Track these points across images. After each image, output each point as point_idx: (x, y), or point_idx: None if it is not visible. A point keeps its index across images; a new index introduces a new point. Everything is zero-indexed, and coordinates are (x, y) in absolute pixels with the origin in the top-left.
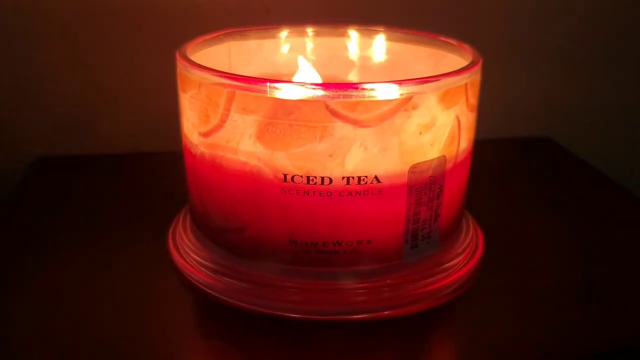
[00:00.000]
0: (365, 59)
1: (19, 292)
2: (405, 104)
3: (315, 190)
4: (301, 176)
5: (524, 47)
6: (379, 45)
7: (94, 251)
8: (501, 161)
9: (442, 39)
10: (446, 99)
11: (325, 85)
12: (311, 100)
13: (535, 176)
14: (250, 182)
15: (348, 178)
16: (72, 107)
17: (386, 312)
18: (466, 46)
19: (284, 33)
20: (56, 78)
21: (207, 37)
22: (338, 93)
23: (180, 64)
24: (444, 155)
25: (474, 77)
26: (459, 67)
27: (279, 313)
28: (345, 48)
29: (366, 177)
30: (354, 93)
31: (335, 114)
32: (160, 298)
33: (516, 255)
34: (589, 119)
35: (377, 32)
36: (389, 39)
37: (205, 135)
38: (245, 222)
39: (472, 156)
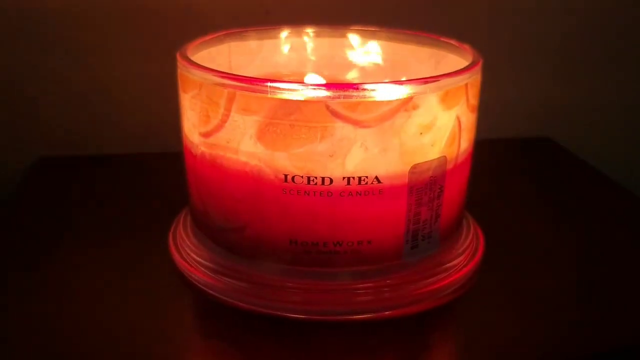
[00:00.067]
0: (365, 60)
1: (19, 292)
2: (405, 105)
3: (316, 191)
4: (302, 176)
5: (524, 48)
6: (379, 46)
7: (94, 251)
8: (501, 161)
9: (443, 39)
10: (447, 99)
11: (325, 86)
12: (312, 101)
13: (536, 176)
14: (251, 182)
15: (348, 178)
16: (73, 108)
17: (386, 313)
18: (466, 46)
19: (284, 34)
20: (57, 78)
21: (207, 37)
22: (338, 93)
23: (180, 64)
24: (445, 156)
25: (474, 78)
26: (460, 67)
27: (279, 313)
28: (346, 49)
29: (367, 177)
30: (355, 93)
31: (335, 114)
32: (160, 298)
33: (516, 256)
34: (589, 119)
35: (377, 32)
36: (389, 39)
37: (206, 135)
38: (246, 222)
39: (472, 156)
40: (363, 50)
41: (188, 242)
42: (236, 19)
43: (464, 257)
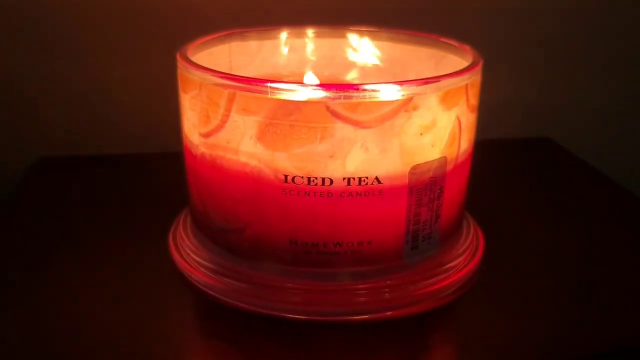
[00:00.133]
0: (365, 60)
1: (19, 292)
2: (405, 105)
3: (316, 191)
4: (302, 177)
5: (524, 48)
6: (379, 46)
7: (94, 251)
8: (501, 161)
9: (443, 40)
10: (447, 99)
11: (325, 86)
12: (312, 101)
13: (536, 176)
14: (251, 182)
15: (349, 179)
16: (73, 108)
17: (387, 313)
18: (467, 47)
19: (284, 34)
20: (57, 78)
21: (207, 38)
22: (339, 94)
23: (181, 64)
24: (445, 156)
25: (474, 78)
26: (460, 68)
27: (279, 314)
28: (346, 49)
29: (367, 178)
30: (355, 94)
31: (336, 114)
32: (160, 298)
33: (516, 256)
34: (589, 119)
35: (378, 33)
36: (389, 40)
37: (206, 135)
38: (246, 223)
39: (472, 157)
40: (363, 50)
41: (188, 243)
42: (236, 19)
43: (464, 258)
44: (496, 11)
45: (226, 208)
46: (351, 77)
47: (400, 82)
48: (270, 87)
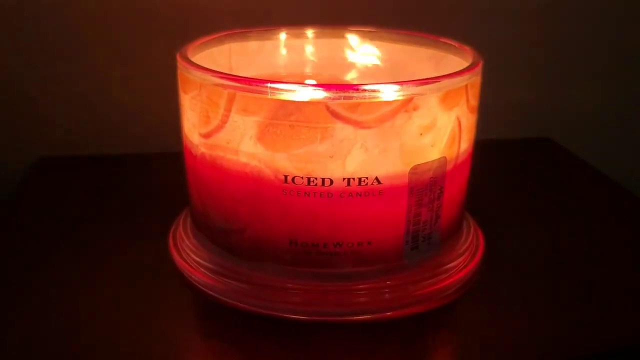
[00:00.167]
0: (365, 61)
1: (19, 292)
2: (405, 105)
3: (316, 192)
4: (302, 177)
5: (524, 48)
6: (379, 47)
7: (94, 251)
8: (501, 162)
9: (443, 40)
10: (447, 100)
11: (326, 87)
12: (312, 102)
13: (535, 176)
14: (251, 183)
15: (349, 179)
16: (73, 108)
17: (387, 313)
18: (467, 47)
19: (284, 34)
20: (57, 78)
21: (207, 38)
22: (339, 94)
23: (181, 65)
24: (445, 157)
25: (474, 79)
26: (460, 68)
27: (279, 314)
28: (346, 50)
29: (367, 178)
30: (355, 94)
31: (336, 115)
32: (160, 298)
33: (516, 256)
34: (589, 119)
35: (378, 33)
36: (389, 40)
37: (206, 136)
38: (246, 223)
39: (472, 157)
40: (363, 51)
41: (188, 243)
42: (236, 19)
43: (464, 258)
44: (496, 11)
45: (226, 208)
46: (351, 77)
47: (400, 83)
48: (270, 87)
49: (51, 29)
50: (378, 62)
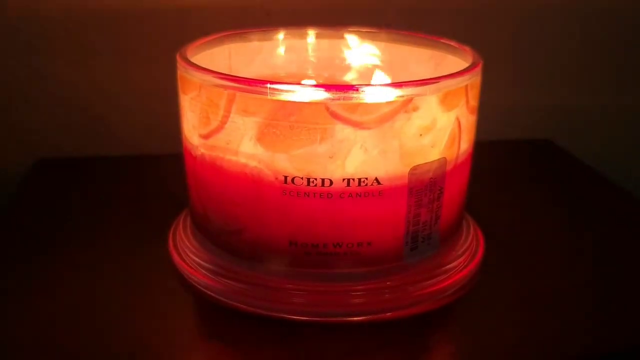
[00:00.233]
0: (365, 61)
1: (19, 292)
2: (405, 106)
3: (316, 192)
4: (301, 178)
5: (524, 49)
6: (379, 47)
7: (94, 252)
8: (501, 163)
9: (443, 40)
10: (446, 100)
11: (325, 87)
12: (312, 102)
13: (535, 177)
14: (251, 183)
15: (348, 180)
16: (73, 109)
17: (387, 314)
18: (466, 48)
19: (284, 35)
20: (57, 79)
21: (207, 39)
22: (338, 95)
23: (180, 65)
24: (445, 157)
25: (474, 79)
26: (460, 69)
27: (279, 315)
28: (345, 50)
29: (366, 178)
30: (355, 95)
31: (335, 115)
32: (160, 299)
33: (516, 257)
34: (589, 121)
35: (377, 34)
36: (389, 40)
37: (206, 136)
38: (245, 224)
39: (472, 158)
40: (363, 51)
41: (188, 244)
42: (236, 20)
43: (464, 259)
44: (496, 12)
45: (226, 209)
46: (351, 78)
47: (400, 83)
48: (270, 88)
49: (51, 30)
50: (378, 63)
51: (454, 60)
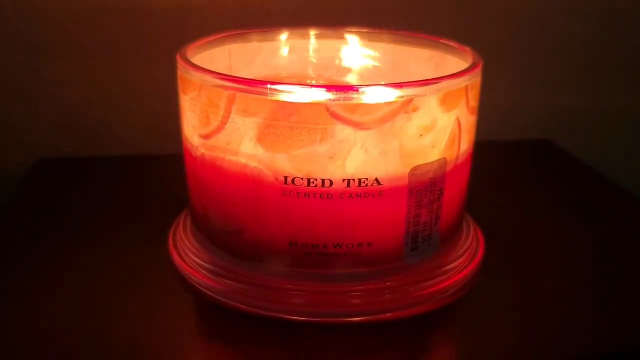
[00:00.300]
0: (365, 61)
1: (19, 292)
2: (405, 106)
3: (316, 192)
4: (301, 178)
5: (524, 49)
6: (379, 48)
7: (94, 252)
8: (501, 163)
9: (443, 41)
10: (447, 101)
11: (325, 88)
12: (312, 103)
13: (535, 178)
14: (251, 184)
15: (348, 180)
16: (73, 109)
17: (387, 315)
18: (467, 48)
19: (284, 35)
20: (57, 79)
21: (207, 39)
22: (339, 95)
23: (180, 66)
24: (445, 158)
25: (474, 80)
26: (460, 69)
27: (279, 315)
28: (346, 50)
29: (366, 179)
30: (355, 95)
31: (335, 116)
32: (160, 299)
33: (516, 257)
34: (589, 121)
35: (377, 34)
36: (389, 41)
37: (206, 137)
38: (245, 224)
39: (472, 158)
40: (363, 51)
41: (188, 244)
42: (236, 20)
43: (464, 259)
44: (496, 12)
45: (226, 209)
46: (351, 78)
47: (400, 84)
48: (270, 88)
49: (51, 30)
50: (378, 63)
51: (454, 61)
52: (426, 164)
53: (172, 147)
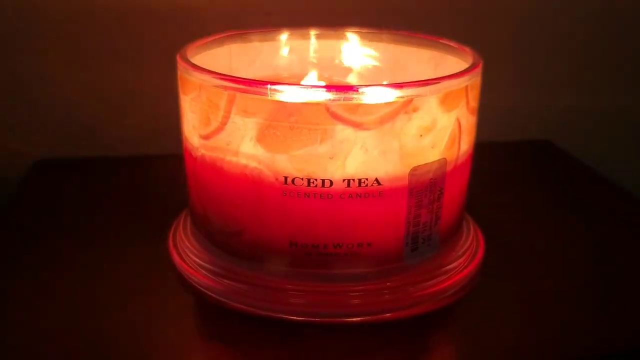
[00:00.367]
0: (365, 62)
1: (19, 292)
2: (405, 107)
3: (316, 193)
4: (302, 178)
5: (524, 49)
6: (379, 48)
7: (94, 253)
8: (501, 164)
9: (443, 41)
10: (447, 101)
11: (326, 88)
12: (312, 103)
13: (535, 178)
14: (251, 184)
15: (349, 180)
16: (73, 109)
17: (387, 315)
18: (467, 49)
19: (284, 35)
20: (57, 80)
21: (207, 39)
22: (339, 95)
23: (181, 66)
24: (445, 158)
25: (474, 80)
26: (460, 69)
27: (279, 315)
28: (346, 50)
29: (367, 179)
30: (355, 95)
31: (336, 116)
32: (160, 299)
33: (516, 258)
34: (589, 121)
35: (378, 34)
36: (389, 41)
37: (206, 137)
38: (245, 225)
39: (472, 159)
40: (363, 52)
41: (188, 244)
42: (236, 20)
43: (464, 259)
44: (496, 12)
45: (226, 210)
46: (351, 78)
47: (400, 84)
48: (270, 88)
49: (51, 31)
50: (378, 63)
51: (454, 61)
52: (426, 164)
53: (172, 147)
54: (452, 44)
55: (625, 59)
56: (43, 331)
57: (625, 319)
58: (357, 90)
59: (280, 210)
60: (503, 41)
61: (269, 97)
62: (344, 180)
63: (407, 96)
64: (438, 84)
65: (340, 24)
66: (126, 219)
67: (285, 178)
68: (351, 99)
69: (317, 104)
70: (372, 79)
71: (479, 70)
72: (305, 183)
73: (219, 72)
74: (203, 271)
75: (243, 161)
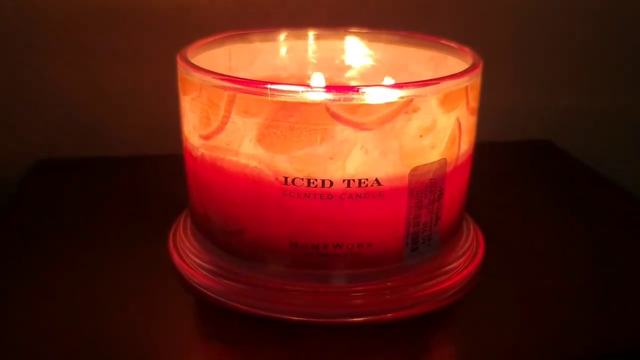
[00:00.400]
0: (365, 62)
1: (19, 292)
2: (405, 107)
3: (316, 193)
4: (302, 179)
5: (524, 49)
6: (380, 48)
7: (94, 252)
8: (501, 164)
9: (443, 41)
10: (447, 102)
11: (326, 88)
12: (312, 103)
13: (535, 178)
14: (251, 184)
15: (349, 181)
16: (74, 109)
17: (387, 315)
18: (466, 49)
19: (284, 36)
20: (57, 80)
21: (208, 40)
22: (339, 96)
23: (181, 66)
24: (445, 158)
25: (474, 80)
26: (460, 70)
27: (279, 316)
28: (346, 51)
29: (367, 179)
30: (355, 96)
31: (336, 116)
32: (160, 300)
33: (516, 258)
34: (589, 121)
35: (378, 34)
36: (389, 41)
37: (206, 137)
38: (245, 225)
39: (472, 159)
40: (363, 52)
41: (188, 245)
42: (236, 21)
43: (464, 260)
44: (496, 12)
45: (226, 210)
46: (351, 79)
47: (400, 84)
48: (270, 89)
49: (51, 31)
50: (378, 64)
51: (454, 61)
52: (426, 164)
53: (172, 147)
54: (452, 44)
55: (625, 59)
56: (43, 331)
57: (625, 319)
58: (358, 91)
59: (280, 211)
60: (503, 41)
61: (269, 98)
62: (344, 180)
63: (407, 96)
64: (438, 85)
65: (340, 24)
66: (126, 219)
67: (286, 178)
68: (351, 99)
69: (317, 104)
70: (372, 79)
71: (479, 71)
72: (305, 183)
73: (219, 72)
74: (203, 271)
75: (243, 161)
